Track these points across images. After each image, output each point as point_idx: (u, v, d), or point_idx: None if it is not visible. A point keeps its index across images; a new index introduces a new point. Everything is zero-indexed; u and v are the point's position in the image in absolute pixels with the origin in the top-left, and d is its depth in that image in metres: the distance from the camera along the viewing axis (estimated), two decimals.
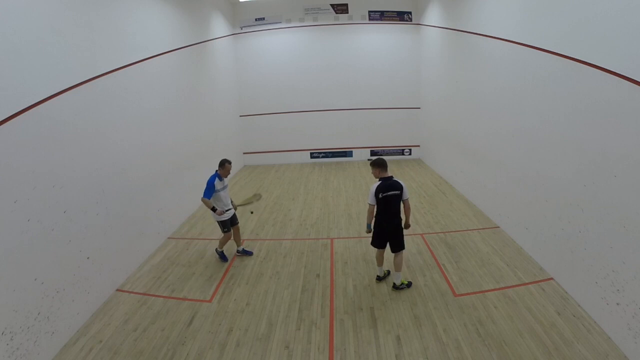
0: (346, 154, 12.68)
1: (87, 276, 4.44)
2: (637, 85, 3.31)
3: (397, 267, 4.71)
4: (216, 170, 5.44)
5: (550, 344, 3.65)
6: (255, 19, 11.94)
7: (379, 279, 4.97)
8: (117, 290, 5.04)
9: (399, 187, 4.52)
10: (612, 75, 3.61)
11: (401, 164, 11.79)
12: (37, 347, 3.60)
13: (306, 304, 4.58)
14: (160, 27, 6.92)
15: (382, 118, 12.36)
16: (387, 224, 4.62)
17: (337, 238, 6.46)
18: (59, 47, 4.18)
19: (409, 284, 4.79)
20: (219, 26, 10.51)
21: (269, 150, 12.69)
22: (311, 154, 12.74)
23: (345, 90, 12.23)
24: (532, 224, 5.34)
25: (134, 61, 5.80)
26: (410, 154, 12.63)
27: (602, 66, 3.75)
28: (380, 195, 4.49)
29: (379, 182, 4.55)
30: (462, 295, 4.59)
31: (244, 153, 12.70)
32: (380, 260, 4.91)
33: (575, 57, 4.18)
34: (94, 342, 4.03)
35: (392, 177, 4.58)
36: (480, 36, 7.01)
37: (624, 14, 3.45)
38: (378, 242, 4.79)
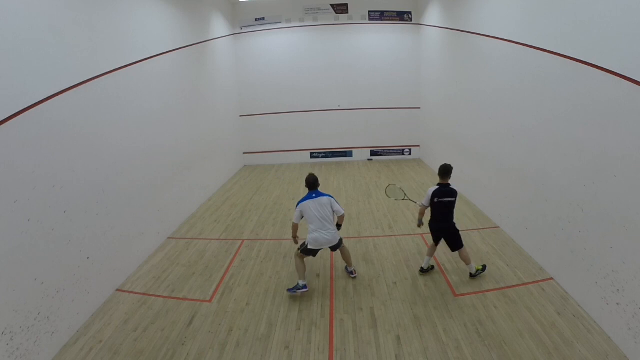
0: (346, 154, 12.68)
1: (87, 276, 4.44)
2: (637, 85, 3.31)
3: (466, 261, 4.89)
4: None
5: (550, 344, 3.65)
6: (255, 19, 11.94)
7: (423, 270, 5.12)
8: (117, 290, 5.03)
9: (454, 195, 4.80)
10: (612, 75, 3.61)
11: (401, 164, 11.79)
12: (37, 347, 3.60)
13: (306, 304, 4.58)
14: (160, 27, 6.92)
15: (382, 118, 12.36)
16: (439, 228, 4.89)
17: None
18: (59, 47, 4.18)
19: (484, 268, 4.98)
20: (219, 26, 10.51)
21: (269, 150, 12.68)
22: (311, 154, 12.74)
23: (345, 90, 12.23)
24: (532, 224, 5.34)
25: (134, 61, 5.80)
26: (410, 154, 12.63)
27: (602, 66, 3.75)
28: (435, 200, 4.77)
29: (436, 187, 4.82)
30: (462, 295, 4.59)
31: (244, 153, 12.70)
32: (431, 252, 5.12)
33: (575, 57, 4.18)
34: (94, 342, 4.03)
35: (450, 184, 4.83)
36: (480, 36, 7.01)
37: (624, 14, 3.45)
38: (433, 237, 5.07)
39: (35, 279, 3.66)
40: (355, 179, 10.28)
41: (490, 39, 6.58)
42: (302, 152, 12.71)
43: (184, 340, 4.02)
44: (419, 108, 12.17)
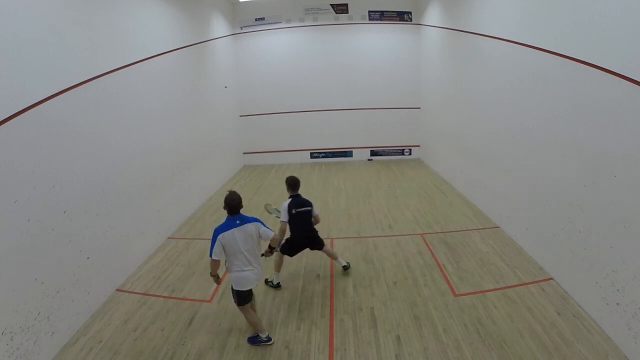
0: (346, 154, 12.67)
1: (87, 276, 4.44)
2: (637, 85, 3.31)
3: (333, 256, 5.16)
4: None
5: (550, 344, 3.65)
6: (255, 19, 11.93)
7: (273, 285, 4.92)
8: (117, 290, 5.03)
9: (309, 204, 4.82)
10: (612, 75, 3.61)
11: (401, 164, 11.78)
12: (37, 347, 3.60)
13: (306, 304, 4.58)
14: (160, 27, 6.92)
15: (382, 118, 12.34)
16: (303, 237, 4.82)
17: (337, 238, 6.45)
18: (59, 47, 4.17)
19: (349, 265, 5.21)
20: (219, 26, 10.50)
21: (269, 150, 12.68)
22: (311, 154, 12.74)
23: (346, 90, 12.21)
24: (532, 224, 5.34)
25: (134, 61, 5.80)
26: (410, 154, 12.62)
27: (602, 66, 3.74)
28: (293, 211, 4.70)
29: (290, 200, 4.79)
30: (462, 295, 4.59)
31: (244, 153, 12.70)
32: (279, 266, 4.91)
33: (575, 57, 4.18)
34: (94, 342, 4.03)
35: (301, 195, 4.86)
36: (480, 36, 7.00)
37: (624, 14, 3.45)
38: (291, 252, 4.87)
39: (35, 279, 3.66)
40: (355, 179, 10.28)
41: (490, 39, 6.58)
42: (302, 152, 12.70)
43: (184, 340, 4.02)
44: (419, 108, 12.16)
